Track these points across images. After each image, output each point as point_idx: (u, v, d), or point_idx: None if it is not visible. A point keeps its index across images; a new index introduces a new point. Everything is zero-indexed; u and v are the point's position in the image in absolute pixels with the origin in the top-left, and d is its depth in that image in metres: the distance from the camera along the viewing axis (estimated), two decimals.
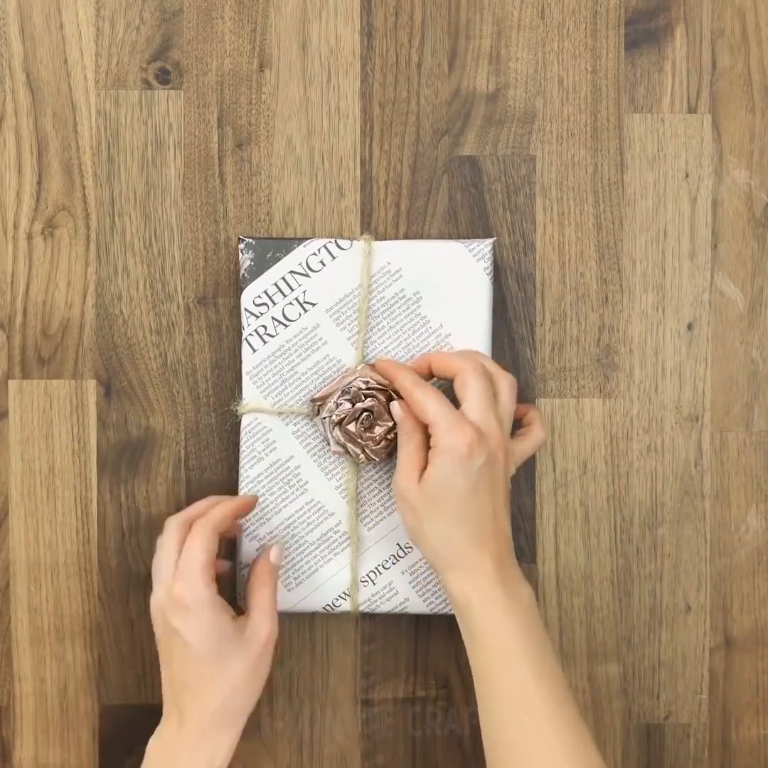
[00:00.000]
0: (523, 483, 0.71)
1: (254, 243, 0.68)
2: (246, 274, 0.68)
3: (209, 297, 0.71)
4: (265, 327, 0.68)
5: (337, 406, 0.67)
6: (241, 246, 0.68)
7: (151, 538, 0.71)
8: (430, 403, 0.63)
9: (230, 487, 0.70)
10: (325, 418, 0.67)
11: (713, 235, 0.71)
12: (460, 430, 0.62)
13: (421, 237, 0.71)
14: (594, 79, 0.71)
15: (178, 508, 0.70)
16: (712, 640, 0.72)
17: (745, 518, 0.72)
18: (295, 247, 0.68)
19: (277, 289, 0.68)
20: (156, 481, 0.71)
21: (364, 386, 0.66)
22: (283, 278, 0.68)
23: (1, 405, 0.71)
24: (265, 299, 0.68)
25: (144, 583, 0.71)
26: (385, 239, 0.71)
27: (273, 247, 0.68)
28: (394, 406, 0.65)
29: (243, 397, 0.69)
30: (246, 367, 0.69)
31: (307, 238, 0.69)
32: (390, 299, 0.69)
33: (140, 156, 0.71)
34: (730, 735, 0.72)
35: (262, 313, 0.68)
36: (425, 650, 0.72)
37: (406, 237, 0.71)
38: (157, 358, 0.71)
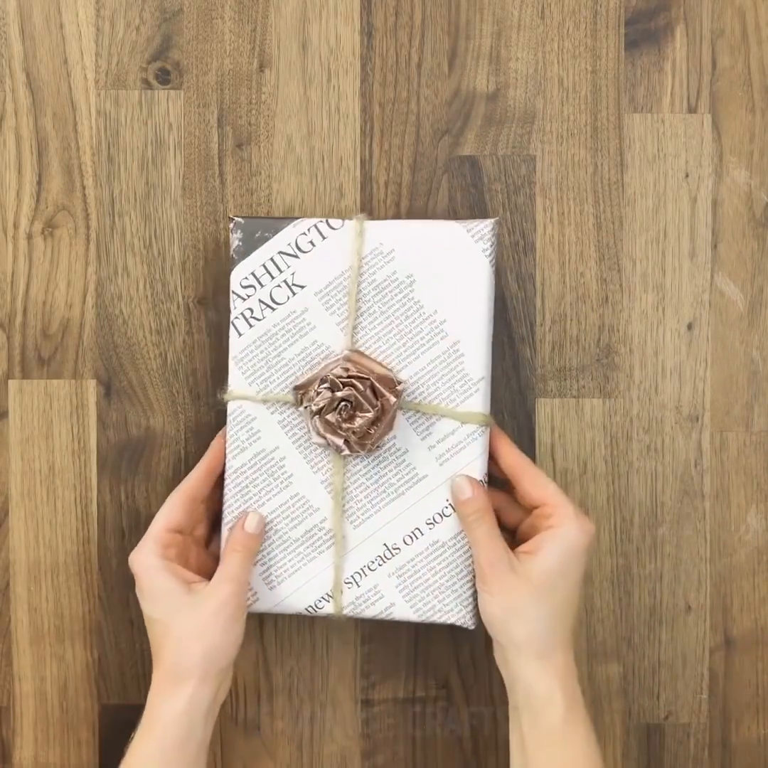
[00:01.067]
0: None
1: (243, 222, 0.66)
2: (234, 255, 0.66)
3: (209, 297, 0.71)
4: (251, 310, 0.66)
5: (317, 394, 0.64)
6: (231, 225, 0.66)
7: None
8: (552, 483, 0.64)
9: None
10: (305, 406, 0.64)
11: (713, 235, 0.71)
12: (586, 521, 0.63)
13: None
14: (594, 79, 0.71)
15: None
16: (712, 640, 0.72)
17: (745, 518, 0.72)
18: (284, 227, 0.66)
19: (264, 271, 0.66)
20: (156, 481, 0.71)
21: (343, 374, 0.64)
22: (272, 259, 0.66)
23: (1, 405, 0.71)
24: (253, 281, 0.66)
25: None
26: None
27: (262, 226, 0.66)
28: (462, 482, 0.64)
29: (229, 383, 0.66)
30: (232, 352, 0.66)
31: (297, 218, 0.67)
32: (381, 282, 0.65)
33: (140, 156, 0.71)
34: (730, 735, 0.72)
35: (249, 296, 0.66)
36: (425, 650, 0.72)
37: None
38: (157, 358, 0.71)
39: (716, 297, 0.72)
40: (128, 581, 0.71)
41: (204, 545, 0.68)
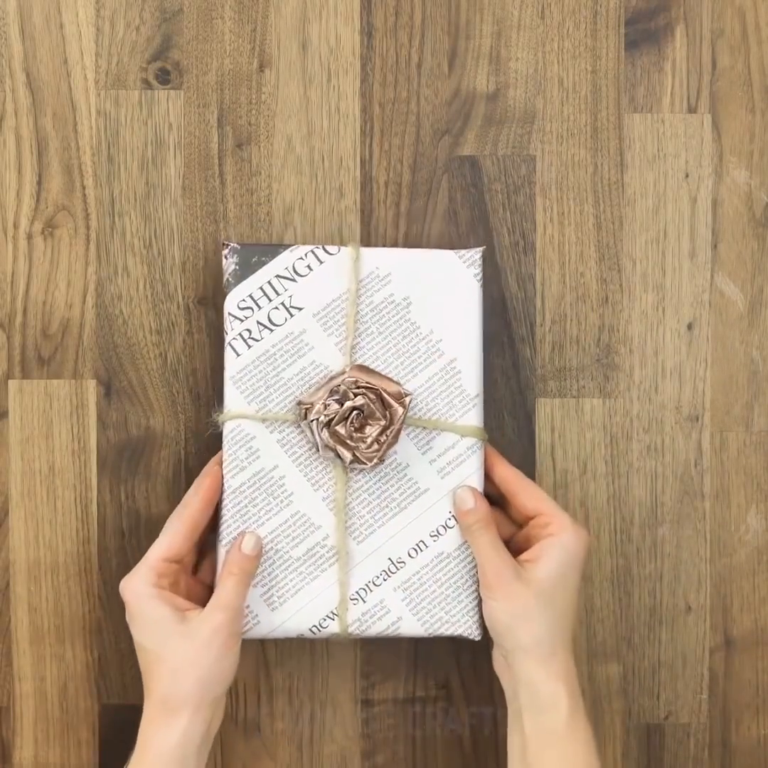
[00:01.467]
0: None
1: (239, 248, 0.67)
2: (230, 279, 0.67)
3: (209, 297, 0.71)
4: (249, 331, 0.66)
5: (326, 407, 0.64)
6: (225, 251, 0.67)
7: (151, 538, 0.71)
8: (546, 496, 0.66)
9: None
10: (312, 420, 0.65)
11: (713, 235, 0.71)
12: (582, 529, 0.65)
13: (421, 237, 0.71)
14: (594, 79, 0.71)
15: None
16: (712, 640, 0.72)
17: (745, 518, 0.72)
18: (281, 252, 0.67)
19: (262, 294, 0.67)
20: (156, 481, 0.71)
21: (353, 385, 0.65)
22: (269, 282, 0.67)
23: (1, 405, 0.71)
24: (250, 303, 0.66)
25: None
26: (385, 239, 0.71)
27: (258, 252, 0.67)
28: (464, 493, 0.65)
29: (225, 403, 0.66)
30: (229, 372, 0.66)
31: (292, 244, 0.68)
32: (379, 304, 0.67)
33: (140, 156, 0.71)
34: (730, 735, 0.72)
35: (247, 317, 0.66)
36: (425, 650, 0.72)
37: (406, 237, 0.71)
38: (157, 358, 0.71)
39: (716, 297, 0.72)
40: None
41: (192, 571, 0.67)
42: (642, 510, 0.72)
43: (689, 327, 0.72)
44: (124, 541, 0.71)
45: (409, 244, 0.71)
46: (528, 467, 0.71)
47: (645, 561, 0.72)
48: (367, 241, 0.71)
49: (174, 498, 0.71)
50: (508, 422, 0.71)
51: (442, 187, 0.71)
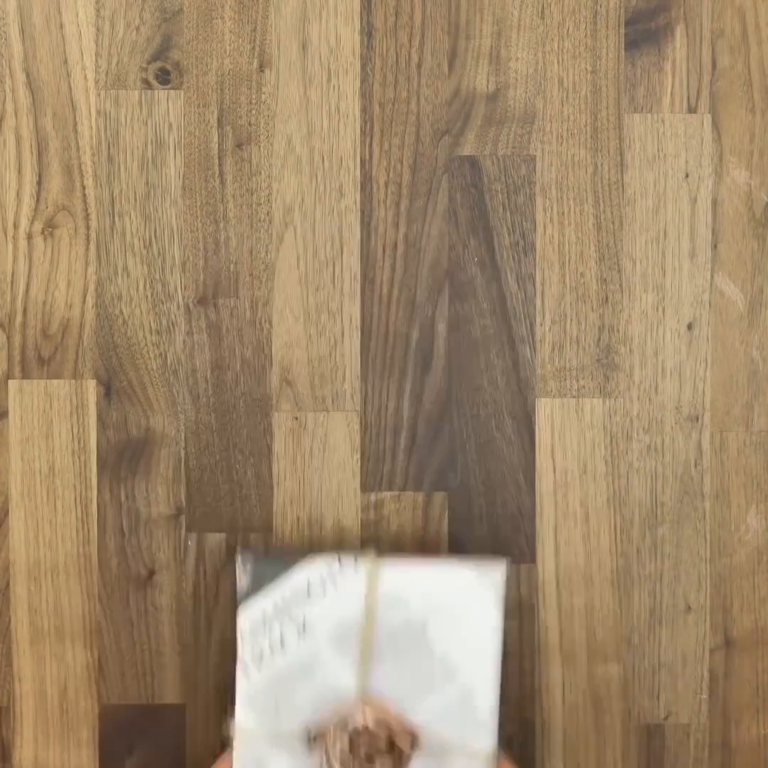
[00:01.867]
0: (523, 483, 0.71)
1: (253, 560, 0.66)
2: (242, 593, 0.65)
3: (209, 297, 0.71)
4: (261, 651, 0.65)
5: (335, 740, 0.64)
6: (238, 559, 0.66)
7: (151, 537, 0.71)
8: None
9: (230, 490, 0.70)
10: (323, 754, 0.64)
11: (713, 235, 0.71)
12: None
13: (421, 237, 0.71)
14: (594, 79, 0.71)
15: (178, 508, 0.71)
16: (712, 640, 0.72)
17: (745, 518, 0.72)
18: (295, 565, 0.65)
19: (274, 610, 0.65)
20: (156, 481, 0.71)
21: (361, 722, 0.64)
22: (283, 598, 0.65)
23: (1, 405, 0.71)
24: (262, 621, 0.65)
25: (144, 584, 0.71)
26: (385, 239, 0.71)
27: (272, 565, 0.66)
28: None
29: (236, 722, 0.65)
30: (240, 692, 0.65)
31: (308, 553, 0.66)
32: (394, 627, 0.66)
33: (140, 156, 0.71)
34: (730, 735, 0.72)
35: (258, 636, 0.65)
36: None
37: (406, 237, 0.71)
38: (157, 358, 0.71)
39: (716, 297, 0.72)
40: (128, 581, 0.71)
41: None
42: (642, 510, 0.72)
43: (689, 327, 0.72)
44: (124, 541, 0.71)
45: (408, 244, 0.71)
46: (528, 467, 0.71)
47: (645, 561, 0.72)
48: (366, 240, 0.71)
49: (174, 498, 0.71)
50: (508, 422, 0.71)
51: (442, 187, 0.71)
